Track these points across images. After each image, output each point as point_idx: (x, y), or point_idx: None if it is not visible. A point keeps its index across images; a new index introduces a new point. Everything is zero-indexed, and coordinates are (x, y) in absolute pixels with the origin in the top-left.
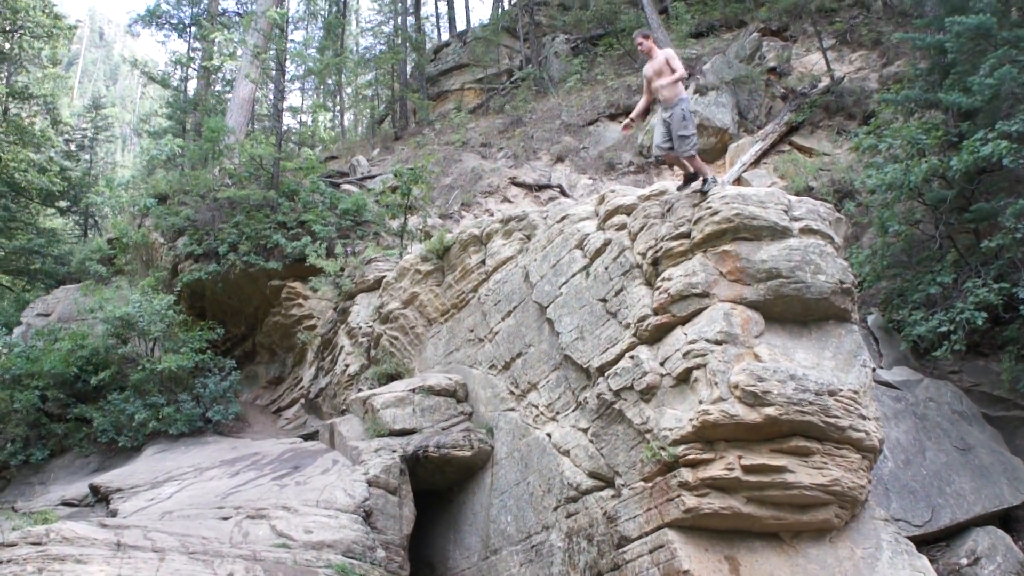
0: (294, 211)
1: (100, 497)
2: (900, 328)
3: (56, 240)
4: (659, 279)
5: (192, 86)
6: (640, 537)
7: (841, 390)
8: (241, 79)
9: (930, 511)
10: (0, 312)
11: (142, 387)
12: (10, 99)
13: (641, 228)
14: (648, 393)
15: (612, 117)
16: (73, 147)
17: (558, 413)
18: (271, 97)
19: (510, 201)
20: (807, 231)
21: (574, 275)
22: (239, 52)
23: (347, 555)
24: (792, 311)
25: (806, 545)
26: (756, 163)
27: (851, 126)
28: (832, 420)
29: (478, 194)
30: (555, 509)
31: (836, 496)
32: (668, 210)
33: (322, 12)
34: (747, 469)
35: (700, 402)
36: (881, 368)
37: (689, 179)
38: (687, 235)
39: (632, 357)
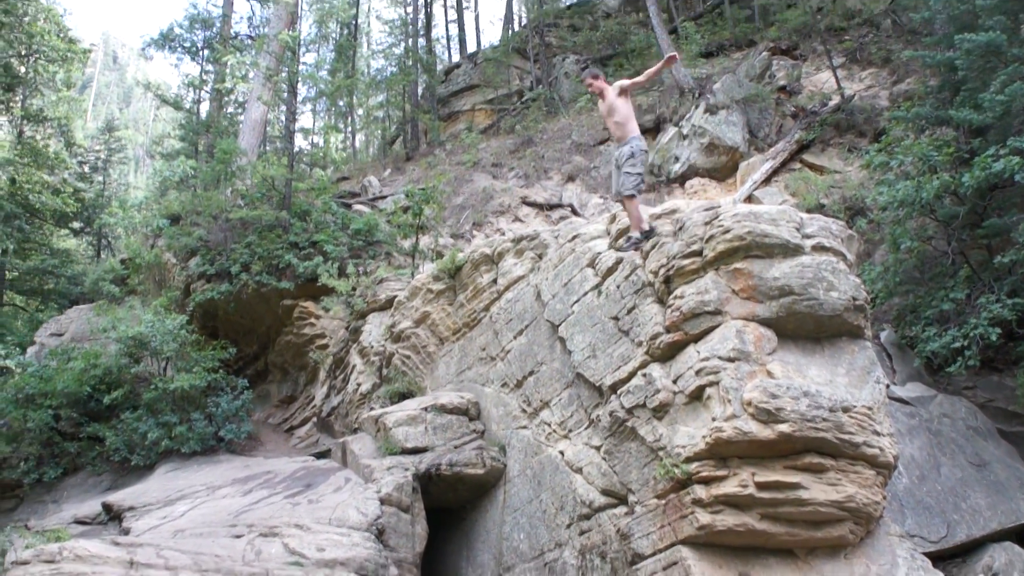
0: (306, 231)
1: (113, 515)
2: (913, 344)
3: (69, 260)
4: (671, 297)
5: (204, 108)
6: (654, 554)
7: (855, 406)
8: (253, 101)
9: (946, 527)
10: (14, 332)
11: (155, 406)
12: (25, 122)
13: (653, 246)
14: (661, 411)
15: None
16: (87, 169)
17: (571, 431)
18: (283, 119)
19: (521, 220)
20: (819, 248)
21: (586, 293)
22: (251, 74)
23: (360, 573)
24: (805, 328)
25: (821, 562)
26: (767, 181)
27: (862, 144)
28: (846, 436)
29: (489, 214)
30: (568, 527)
31: (851, 512)
32: (680, 228)
33: (333, 35)
34: (761, 486)
35: (713, 419)
36: (895, 384)
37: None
38: (699, 253)
39: (644, 375)
